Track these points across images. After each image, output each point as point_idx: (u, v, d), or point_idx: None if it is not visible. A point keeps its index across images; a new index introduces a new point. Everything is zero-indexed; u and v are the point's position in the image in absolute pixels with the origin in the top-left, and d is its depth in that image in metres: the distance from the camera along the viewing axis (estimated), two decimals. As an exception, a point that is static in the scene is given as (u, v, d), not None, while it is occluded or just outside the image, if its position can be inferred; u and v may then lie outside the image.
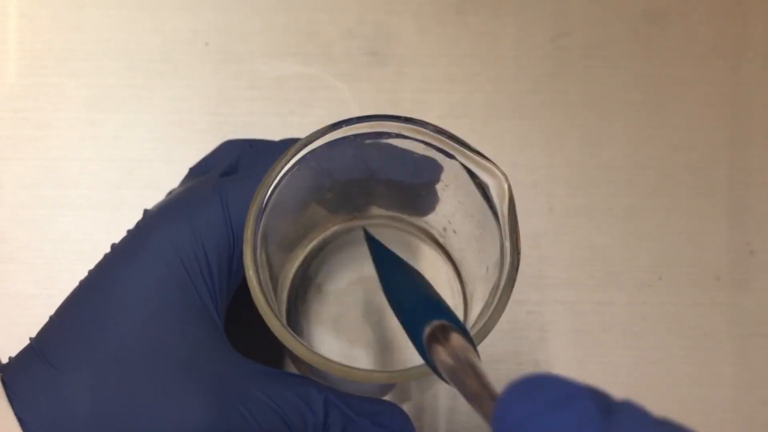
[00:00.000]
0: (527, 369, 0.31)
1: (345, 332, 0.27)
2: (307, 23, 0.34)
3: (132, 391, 0.21)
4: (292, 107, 0.33)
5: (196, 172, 0.28)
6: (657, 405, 0.34)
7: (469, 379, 0.16)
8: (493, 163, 0.21)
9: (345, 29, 0.34)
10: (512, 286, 0.20)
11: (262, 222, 0.21)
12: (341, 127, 0.21)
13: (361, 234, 0.24)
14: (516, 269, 0.21)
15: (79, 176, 0.33)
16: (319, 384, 0.23)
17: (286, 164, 0.21)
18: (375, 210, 0.27)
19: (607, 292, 0.32)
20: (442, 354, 0.17)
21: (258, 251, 0.21)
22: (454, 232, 0.26)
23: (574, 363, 0.31)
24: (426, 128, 0.21)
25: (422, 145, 0.22)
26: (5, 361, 0.24)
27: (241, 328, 0.25)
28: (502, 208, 0.21)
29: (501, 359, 0.31)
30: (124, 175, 0.32)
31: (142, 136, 0.33)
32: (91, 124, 0.33)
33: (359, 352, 0.27)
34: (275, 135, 0.29)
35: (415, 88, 0.33)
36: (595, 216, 0.32)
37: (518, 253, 0.21)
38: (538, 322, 0.31)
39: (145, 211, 0.25)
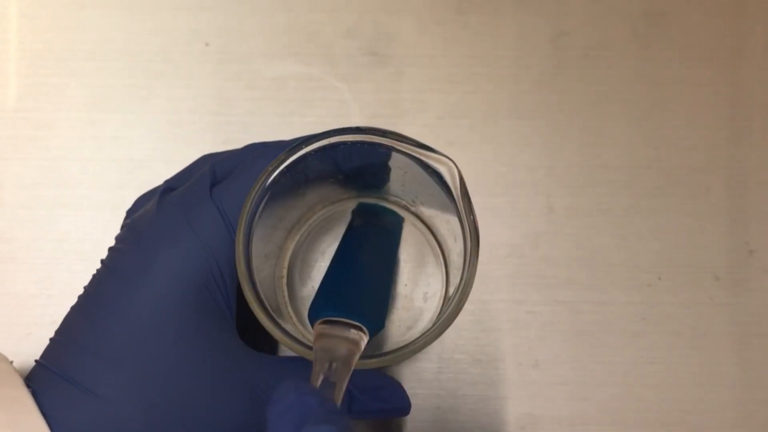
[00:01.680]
0: (527, 368, 0.31)
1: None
2: (307, 23, 0.34)
3: (178, 408, 0.22)
4: (292, 107, 0.33)
5: (172, 184, 0.28)
6: (657, 405, 0.35)
7: (315, 367, 0.20)
8: (440, 153, 0.23)
9: (345, 29, 0.34)
10: (475, 269, 0.23)
11: (251, 246, 0.23)
12: (301, 149, 0.23)
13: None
14: (476, 249, 0.23)
15: (79, 176, 0.33)
16: None
17: (256, 192, 0.23)
18: (345, 192, 0.29)
19: (607, 292, 0.32)
20: (320, 340, 0.21)
21: (254, 278, 0.23)
22: (422, 203, 0.28)
23: (574, 363, 0.31)
24: (374, 134, 0.23)
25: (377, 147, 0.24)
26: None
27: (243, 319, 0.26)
28: (456, 191, 0.23)
29: (501, 358, 0.31)
30: (124, 175, 0.33)
31: (142, 136, 0.33)
32: (92, 124, 0.33)
33: None
34: (275, 135, 0.29)
35: (415, 88, 0.33)
36: (595, 216, 0.32)
37: (476, 233, 0.23)
38: (538, 321, 0.32)
39: (130, 228, 0.25)
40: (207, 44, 0.34)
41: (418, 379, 0.31)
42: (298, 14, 0.34)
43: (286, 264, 0.29)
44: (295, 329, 0.27)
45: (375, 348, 0.28)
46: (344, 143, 0.23)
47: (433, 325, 0.22)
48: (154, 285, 0.23)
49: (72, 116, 0.33)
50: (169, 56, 0.33)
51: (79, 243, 0.32)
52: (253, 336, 0.26)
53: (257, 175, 0.24)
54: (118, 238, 0.25)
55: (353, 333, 0.22)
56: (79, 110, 0.33)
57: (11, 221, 0.32)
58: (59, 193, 0.33)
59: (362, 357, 0.22)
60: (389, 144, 0.23)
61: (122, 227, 0.26)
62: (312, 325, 0.23)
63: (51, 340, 0.24)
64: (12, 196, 0.32)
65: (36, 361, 0.24)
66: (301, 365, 0.24)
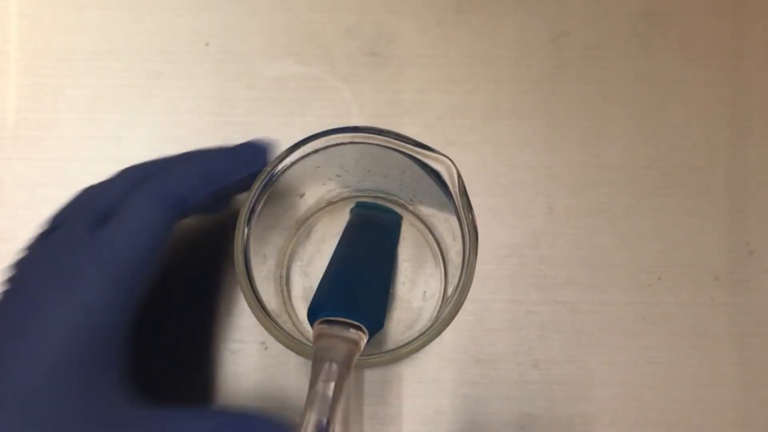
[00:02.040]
0: (526, 369, 0.31)
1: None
2: (307, 23, 0.34)
3: None
4: (292, 107, 0.33)
5: (57, 221, 0.26)
6: (657, 405, 0.34)
7: (315, 367, 0.20)
8: (439, 153, 0.23)
9: (345, 29, 0.34)
10: (473, 268, 0.23)
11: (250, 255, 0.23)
12: (299, 149, 0.24)
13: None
14: (475, 248, 0.23)
15: (80, 176, 0.33)
16: (231, 415, 0.23)
17: (255, 192, 0.23)
18: (343, 192, 0.30)
19: (606, 292, 0.32)
20: (320, 340, 0.21)
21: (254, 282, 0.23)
22: (420, 202, 0.28)
23: (573, 363, 0.31)
24: (373, 133, 0.24)
25: (376, 147, 0.24)
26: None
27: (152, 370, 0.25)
28: (455, 190, 0.23)
29: (500, 358, 0.31)
30: (124, 175, 0.33)
31: (142, 136, 0.33)
32: (92, 124, 0.33)
33: None
34: (275, 135, 0.29)
35: (415, 88, 0.33)
36: (595, 216, 0.32)
37: (475, 232, 0.23)
38: (538, 321, 0.32)
39: (16, 272, 0.23)
40: (207, 44, 0.34)
41: (419, 379, 0.31)
42: (298, 14, 0.34)
43: (284, 264, 0.29)
44: (294, 329, 0.27)
45: (374, 347, 0.28)
46: (342, 143, 0.24)
47: (433, 324, 0.22)
48: (33, 343, 0.21)
49: (73, 116, 0.33)
50: (169, 56, 0.33)
51: (80, 243, 0.32)
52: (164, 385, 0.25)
53: (139, 218, 0.23)
54: (7, 275, 0.24)
55: (353, 332, 0.22)
56: (80, 110, 0.33)
57: (12, 221, 0.32)
58: (60, 194, 0.32)
59: (362, 356, 0.22)
60: (388, 144, 0.24)
61: (27, 248, 0.24)
62: (311, 325, 0.23)
63: None
64: (13, 196, 0.32)
65: None
66: (195, 417, 0.23)
